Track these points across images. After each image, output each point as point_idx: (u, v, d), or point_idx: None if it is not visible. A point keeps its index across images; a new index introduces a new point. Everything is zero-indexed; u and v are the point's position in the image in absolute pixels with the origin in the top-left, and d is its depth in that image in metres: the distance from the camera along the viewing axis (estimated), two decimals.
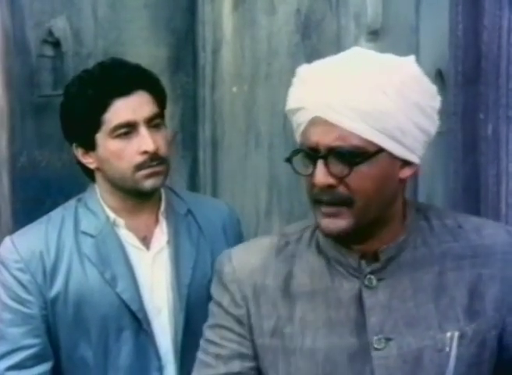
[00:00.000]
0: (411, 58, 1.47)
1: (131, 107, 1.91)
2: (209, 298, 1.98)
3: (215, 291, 1.57)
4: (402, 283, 1.48)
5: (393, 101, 1.39)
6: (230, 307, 1.53)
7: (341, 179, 1.40)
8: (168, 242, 2.01)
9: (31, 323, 1.92)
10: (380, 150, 1.40)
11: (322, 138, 1.40)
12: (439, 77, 2.32)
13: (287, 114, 1.50)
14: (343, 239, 1.47)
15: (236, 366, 1.52)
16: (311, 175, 1.41)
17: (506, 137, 1.95)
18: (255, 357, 1.52)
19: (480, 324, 1.47)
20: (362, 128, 1.38)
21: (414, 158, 1.44)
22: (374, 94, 1.39)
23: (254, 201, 3.39)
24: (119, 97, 1.90)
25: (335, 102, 1.39)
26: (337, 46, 2.76)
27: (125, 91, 1.91)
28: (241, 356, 1.52)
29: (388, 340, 1.46)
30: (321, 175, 1.40)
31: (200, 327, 1.97)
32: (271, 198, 3.28)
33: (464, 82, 2.06)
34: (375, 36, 2.61)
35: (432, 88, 1.47)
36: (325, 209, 1.42)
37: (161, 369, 1.96)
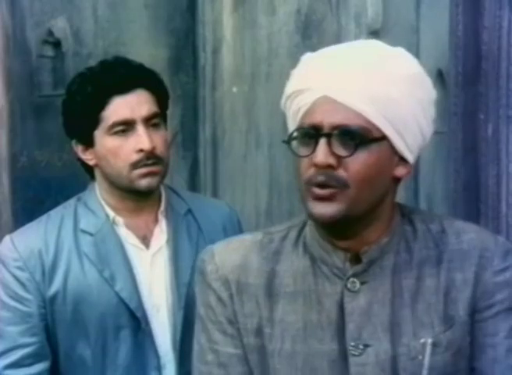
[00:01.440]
0: (416, 60, 1.47)
1: (129, 105, 1.91)
2: None
3: (200, 291, 1.53)
4: (383, 287, 1.45)
5: (401, 93, 1.39)
6: (218, 307, 1.50)
7: (340, 160, 1.37)
8: (168, 241, 2.01)
9: (29, 321, 1.92)
10: (383, 138, 1.39)
11: (328, 117, 1.38)
12: (439, 77, 2.33)
13: (285, 100, 1.47)
14: (331, 227, 1.43)
15: (238, 371, 1.49)
16: (310, 155, 1.38)
17: (507, 138, 1.95)
18: (247, 358, 1.49)
19: (455, 331, 1.44)
20: (370, 111, 1.37)
21: (409, 156, 1.43)
22: (385, 81, 1.38)
23: (255, 201, 3.39)
24: (117, 94, 1.91)
25: (346, 82, 1.38)
26: None
27: (124, 88, 1.91)
28: (239, 359, 1.49)
29: (366, 346, 1.42)
30: (323, 154, 1.37)
31: None
32: (271, 197, 3.28)
33: (464, 82, 2.06)
34: (376, 36, 2.61)
35: (434, 95, 1.47)
36: (318, 191, 1.38)
37: (159, 367, 1.96)
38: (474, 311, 1.45)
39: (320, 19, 2.89)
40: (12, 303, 1.92)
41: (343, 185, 1.38)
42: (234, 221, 2.15)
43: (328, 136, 1.37)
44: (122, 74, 1.92)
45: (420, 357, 1.42)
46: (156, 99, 1.96)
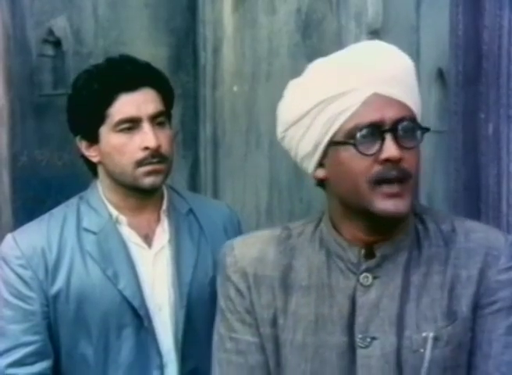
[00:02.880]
0: None
1: (136, 103, 1.91)
2: (210, 296, 2.00)
3: (221, 284, 1.59)
4: (394, 283, 1.48)
5: (416, 86, 1.49)
6: (237, 298, 1.55)
7: (404, 152, 1.42)
8: (170, 241, 2.01)
9: (32, 319, 1.92)
10: (423, 128, 1.46)
11: (386, 112, 1.42)
12: (439, 77, 2.32)
13: (316, 106, 1.46)
14: (390, 223, 1.47)
15: (256, 359, 1.54)
16: (376, 153, 1.42)
17: (507, 137, 1.95)
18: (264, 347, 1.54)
19: (456, 326, 1.47)
20: (411, 102, 1.45)
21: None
22: (410, 74, 1.48)
23: (255, 201, 3.39)
24: (124, 92, 1.91)
25: (391, 79, 1.44)
26: (338, 45, 2.75)
27: (130, 86, 1.91)
28: (257, 348, 1.54)
29: (373, 339, 1.46)
30: (394, 148, 1.41)
31: (200, 325, 1.98)
32: (271, 197, 3.28)
33: (464, 81, 2.06)
34: (376, 35, 2.61)
35: None
36: (388, 189, 1.42)
37: (162, 366, 1.96)
38: (476, 307, 1.48)
39: (320, 19, 2.89)
40: (15, 301, 1.92)
41: (408, 178, 1.43)
42: (234, 222, 2.16)
43: (393, 130, 1.42)
44: (129, 72, 1.93)
45: (421, 350, 1.45)
46: (162, 98, 1.96)
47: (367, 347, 1.45)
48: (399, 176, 1.42)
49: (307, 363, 1.49)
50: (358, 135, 1.43)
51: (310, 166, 1.50)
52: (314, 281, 1.51)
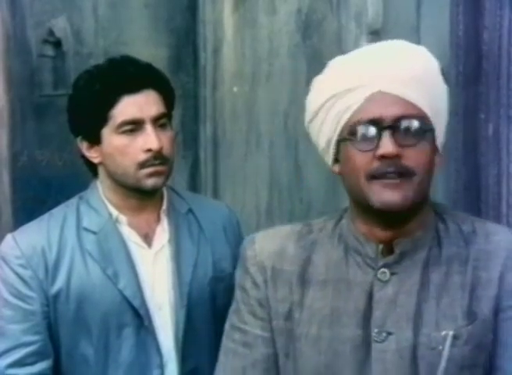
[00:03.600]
0: None
1: (138, 104, 1.92)
2: (210, 296, 2.00)
3: (239, 274, 1.62)
4: (412, 280, 1.50)
5: (438, 86, 1.49)
6: (252, 290, 1.58)
7: (404, 150, 1.43)
8: (170, 240, 2.01)
9: (32, 319, 1.92)
10: (432, 128, 1.47)
11: (387, 110, 1.44)
12: None
13: (328, 100, 1.51)
14: (394, 215, 1.48)
15: (262, 352, 1.57)
16: (373, 149, 1.44)
17: (507, 138, 1.95)
18: (274, 341, 1.57)
19: (476, 326, 1.48)
20: (424, 103, 1.45)
21: (440, 147, 1.52)
22: (429, 75, 1.48)
23: (255, 201, 3.39)
24: (127, 93, 1.91)
25: (400, 75, 1.45)
26: (338, 46, 2.76)
27: (133, 88, 1.92)
28: (264, 341, 1.57)
29: (388, 334, 1.48)
30: (390, 144, 1.43)
31: (200, 325, 1.98)
32: (271, 197, 3.28)
33: (464, 82, 2.06)
34: (376, 36, 2.61)
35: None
36: (388, 181, 1.45)
37: (162, 366, 1.96)
38: (497, 310, 1.49)
39: (320, 19, 2.89)
40: (15, 301, 1.92)
41: (410, 173, 1.44)
42: (234, 222, 2.16)
43: (392, 128, 1.43)
44: (131, 73, 1.93)
45: (440, 347, 1.47)
46: (164, 99, 1.97)
47: (382, 341, 1.48)
48: (398, 172, 1.44)
49: (321, 356, 1.51)
50: (358, 131, 1.46)
51: (328, 161, 1.56)
52: (331, 276, 1.54)
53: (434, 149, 1.50)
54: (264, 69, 3.30)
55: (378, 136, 1.44)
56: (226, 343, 1.62)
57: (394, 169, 1.44)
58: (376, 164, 1.45)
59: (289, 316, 1.55)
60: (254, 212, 3.39)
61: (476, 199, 2.04)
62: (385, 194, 1.45)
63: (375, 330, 1.48)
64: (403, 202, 1.45)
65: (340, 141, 1.50)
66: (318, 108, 1.53)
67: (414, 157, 1.45)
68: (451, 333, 1.47)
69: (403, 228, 1.51)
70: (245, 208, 3.34)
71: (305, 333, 1.53)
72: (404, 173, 1.44)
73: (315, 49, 2.93)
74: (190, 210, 2.07)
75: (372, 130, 1.45)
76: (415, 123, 1.45)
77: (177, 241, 2.01)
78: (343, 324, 1.51)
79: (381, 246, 1.51)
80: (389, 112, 1.44)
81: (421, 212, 1.53)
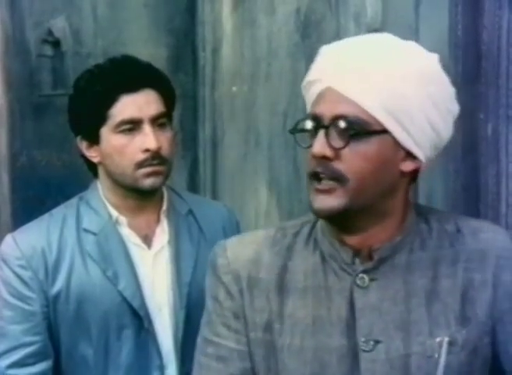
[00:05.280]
0: (435, 56, 1.46)
1: (137, 104, 1.92)
2: None
3: (210, 284, 1.53)
4: (394, 286, 1.44)
5: (409, 87, 1.38)
6: (226, 301, 1.49)
7: (338, 152, 1.37)
8: (169, 241, 2.01)
9: (32, 320, 1.92)
10: (384, 131, 1.38)
11: (328, 108, 1.39)
12: None
13: (303, 91, 1.48)
14: (335, 220, 1.43)
15: (237, 366, 1.49)
16: (311, 147, 1.39)
17: (506, 138, 1.95)
18: (250, 354, 1.48)
19: (471, 331, 1.44)
20: (371, 104, 1.37)
21: (418, 152, 1.41)
22: (391, 75, 1.37)
23: (254, 201, 3.39)
24: (125, 93, 1.91)
25: (349, 74, 1.38)
26: None
27: (132, 87, 1.92)
28: (240, 355, 1.49)
29: (376, 342, 1.42)
30: (320, 145, 1.37)
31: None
32: (270, 197, 3.28)
33: (463, 82, 2.06)
34: None
35: (452, 91, 1.45)
36: (318, 185, 1.39)
37: (162, 367, 1.97)
38: (496, 312, 1.45)
39: (319, 19, 2.89)
40: (15, 302, 1.92)
41: (341, 178, 1.38)
42: (233, 223, 2.16)
43: (327, 127, 1.38)
44: (131, 73, 1.93)
45: (436, 355, 1.41)
46: (163, 99, 1.96)
47: (371, 350, 1.41)
48: (327, 174, 1.38)
49: (307, 367, 1.44)
50: (298, 126, 1.43)
51: None
52: (310, 283, 1.47)
53: (392, 153, 1.40)
54: (263, 69, 3.30)
55: (315, 134, 1.39)
56: (199, 358, 1.52)
57: (321, 171, 1.38)
58: (312, 163, 1.40)
59: (268, 327, 1.46)
60: (252, 213, 3.39)
61: (475, 199, 2.04)
62: (315, 200, 1.40)
63: (362, 339, 1.42)
64: (329, 209, 1.39)
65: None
66: (303, 90, 1.49)
67: (347, 160, 1.37)
68: (446, 339, 1.42)
69: (370, 233, 1.44)
70: (244, 209, 3.34)
71: (287, 344, 1.45)
72: (336, 178, 1.38)
73: (314, 49, 2.92)
74: (190, 211, 2.07)
75: (310, 127, 1.40)
76: (350, 125, 1.36)
77: (177, 242, 2.01)
78: (326, 334, 1.44)
79: (356, 251, 1.45)
80: (329, 110, 1.38)
81: (392, 216, 1.45)
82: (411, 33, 2.40)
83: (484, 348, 1.45)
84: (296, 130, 1.43)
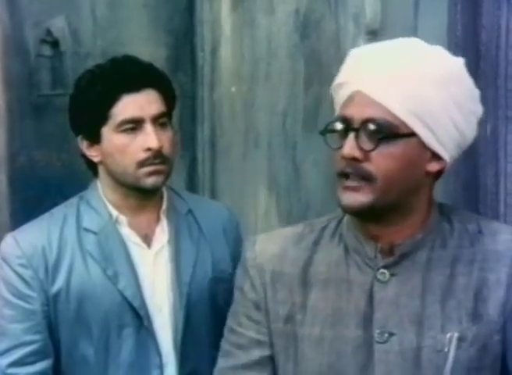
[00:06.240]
0: (461, 60, 1.51)
1: (139, 103, 1.92)
2: (209, 296, 2.00)
3: (238, 275, 1.62)
4: (413, 281, 1.49)
5: (433, 90, 1.43)
6: (249, 292, 1.57)
7: (367, 154, 1.42)
8: (169, 241, 2.02)
9: (32, 318, 1.92)
10: (412, 134, 1.43)
11: (358, 111, 1.44)
12: None
13: (332, 92, 1.53)
14: (361, 216, 1.49)
15: (255, 354, 1.56)
16: (341, 148, 1.44)
17: (505, 138, 1.95)
18: (270, 344, 1.56)
19: (481, 328, 1.47)
20: (399, 108, 1.42)
21: (443, 152, 1.47)
22: (417, 79, 1.43)
23: (253, 201, 3.39)
24: (127, 92, 1.92)
25: (378, 78, 1.44)
26: (336, 46, 2.76)
27: (134, 87, 1.92)
28: (259, 344, 1.56)
29: (391, 334, 1.47)
30: (349, 147, 1.43)
31: (200, 326, 1.99)
32: (270, 197, 3.28)
33: None
34: (374, 35, 2.61)
35: (476, 93, 1.51)
36: (347, 183, 1.45)
37: (162, 366, 1.97)
38: (508, 311, 1.48)
39: (319, 19, 2.89)
40: (16, 301, 1.93)
41: (369, 178, 1.44)
42: (233, 223, 2.16)
43: (357, 130, 1.43)
44: (132, 73, 1.94)
45: (445, 350, 1.46)
46: (164, 99, 1.97)
47: (385, 342, 1.47)
48: (356, 174, 1.44)
49: (324, 356, 1.51)
50: (329, 127, 1.48)
51: None
52: (332, 275, 1.53)
53: (419, 155, 1.46)
54: (262, 69, 3.30)
55: (346, 136, 1.45)
56: (223, 345, 1.62)
57: (351, 171, 1.44)
58: (342, 163, 1.45)
59: (289, 318, 1.54)
60: (252, 212, 3.39)
61: (474, 199, 2.04)
62: (343, 197, 1.46)
63: (377, 331, 1.48)
64: (358, 206, 1.45)
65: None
66: (332, 92, 1.55)
67: (376, 162, 1.43)
68: (456, 334, 1.46)
69: (394, 229, 1.50)
70: (243, 209, 3.34)
71: (308, 334, 1.52)
72: (364, 177, 1.44)
73: (313, 49, 2.93)
74: (190, 211, 2.08)
75: (340, 129, 1.46)
76: (380, 128, 1.42)
77: (177, 241, 2.02)
78: (344, 325, 1.50)
79: (379, 245, 1.51)
80: (358, 114, 1.44)
81: (416, 214, 1.51)
82: (410, 33, 2.40)
83: (494, 345, 1.48)
84: (327, 131, 1.48)
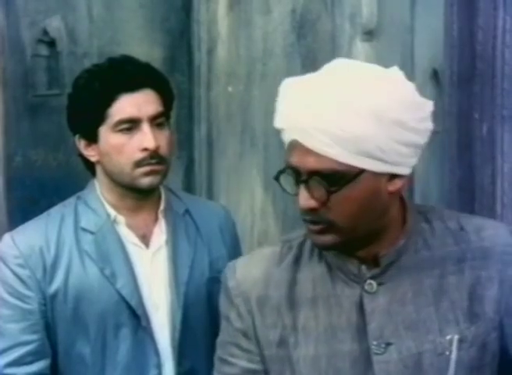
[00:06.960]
0: (394, 68, 1.43)
1: (136, 103, 1.92)
2: (207, 296, 2.00)
3: (222, 305, 1.57)
4: (402, 287, 1.47)
5: (369, 123, 1.35)
6: (236, 321, 1.53)
7: (323, 202, 1.38)
8: (167, 241, 2.02)
9: (30, 318, 1.92)
10: (361, 171, 1.38)
11: (301, 162, 1.38)
12: (434, 77, 2.33)
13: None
14: (337, 250, 1.47)
15: None
16: (297, 194, 1.40)
17: (501, 137, 1.95)
18: (265, 371, 1.52)
19: (479, 327, 1.47)
20: (337, 152, 1.36)
21: (400, 170, 1.41)
22: (347, 118, 1.35)
23: (250, 201, 3.39)
24: (125, 92, 1.92)
25: (308, 127, 1.36)
26: (332, 46, 2.76)
27: (131, 87, 1.92)
28: (253, 373, 1.52)
29: (388, 344, 1.45)
30: (303, 199, 1.39)
31: (197, 325, 1.99)
32: (266, 197, 3.28)
33: (458, 82, 2.06)
34: (370, 36, 2.61)
35: (415, 100, 1.42)
36: (311, 227, 1.42)
37: (159, 365, 1.97)
38: (503, 307, 1.47)
39: (315, 19, 2.89)
40: (13, 301, 1.92)
41: (330, 223, 1.40)
42: (230, 223, 2.17)
43: (306, 181, 1.38)
44: (130, 72, 1.94)
45: (447, 353, 1.45)
46: (162, 99, 1.97)
47: (383, 353, 1.44)
48: (318, 222, 1.41)
49: (322, 374, 1.47)
50: (281, 175, 1.43)
51: None
52: (319, 292, 1.49)
53: (375, 185, 1.39)
54: (258, 69, 3.30)
55: (297, 185, 1.40)
56: None
57: (311, 219, 1.41)
58: (302, 211, 1.41)
59: (282, 342, 1.49)
60: (248, 212, 3.39)
61: (470, 199, 2.04)
62: (313, 238, 1.44)
63: (374, 343, 1.45)
64: (331, 245, 1.44)
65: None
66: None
67: (333, 209, 1.39)
68: (456, 336, 1.45)
69: (373, 246, 1.46)
70: (240, 208, 3.34)
71: (303, 355, 1.48)
72: (326, 223, 1.40)
73: (310, 49, 2.94)
74: (187, 211, 2.08)
75: (292, 178, 1.41)
76: (328, 178, 1.37)
77: (174, 241, 2.02)
78: (338, 340, 1.47)
79: (362, 260, 1.47)
80: (302, 165, 1.38)
81: (391, 228, 1.47)
82: (406, 33, 2.40)
83: (492, 342, 1.48)
84: (279, 178, 1.43)
